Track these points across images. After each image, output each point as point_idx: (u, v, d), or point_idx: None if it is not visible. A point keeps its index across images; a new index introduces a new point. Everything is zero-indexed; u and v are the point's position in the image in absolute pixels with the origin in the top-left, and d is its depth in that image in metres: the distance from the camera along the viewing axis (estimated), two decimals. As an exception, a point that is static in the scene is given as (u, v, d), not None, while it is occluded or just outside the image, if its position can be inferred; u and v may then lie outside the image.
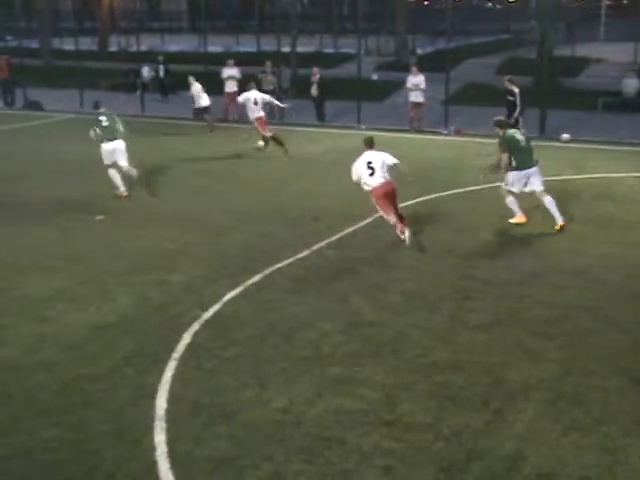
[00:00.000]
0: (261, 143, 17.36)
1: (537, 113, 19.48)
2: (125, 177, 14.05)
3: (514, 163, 11.48)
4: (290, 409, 6.59)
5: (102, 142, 13.82)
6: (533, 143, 12.04)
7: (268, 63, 23.21)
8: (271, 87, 22.91)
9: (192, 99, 21.25)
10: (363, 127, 20.52)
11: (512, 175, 11.56)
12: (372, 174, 10.74)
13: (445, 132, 20.23)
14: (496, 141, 11.78)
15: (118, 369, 7.34)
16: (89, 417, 6.53)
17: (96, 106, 14.31)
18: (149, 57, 29.73)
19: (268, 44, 34.32)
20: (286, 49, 27.91)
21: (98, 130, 13.74)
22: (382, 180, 10.77)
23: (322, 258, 10.49)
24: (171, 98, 26.59)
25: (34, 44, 40.37)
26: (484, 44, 41.12)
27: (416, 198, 13.20)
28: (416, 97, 20.49)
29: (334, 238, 11.27)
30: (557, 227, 11.44)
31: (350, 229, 11.68)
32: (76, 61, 29.01)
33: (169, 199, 13.78)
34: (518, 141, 11.51)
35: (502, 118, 11.89)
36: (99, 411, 6.62)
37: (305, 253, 10.60)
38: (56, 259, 10.51)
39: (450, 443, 6.04)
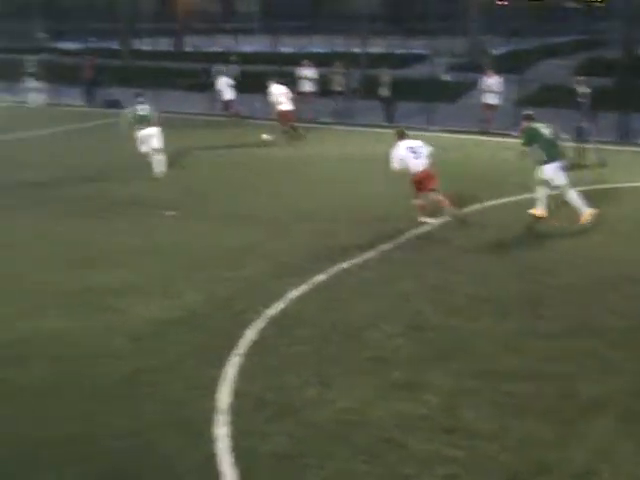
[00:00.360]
0: (267, 136, 18.43)
1: (617, 116, 18.71)
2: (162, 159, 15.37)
3: (544, 157, 11.47)
4: (352, 409, 6.46)
5: (138, 129, 15.22)
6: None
7: (337, 63, 23.17)
8: (340, 87, 22.85)
9: (218, 93, 22.52)
10: (433, 128, 20.18)
11: (547, 169, 11.49)
12: (416, 157, 11.54)
13: (517, 135, 19.68)
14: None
15: (182, 362, 7.36)
16: (152, 408, 6.56)
17: (137, 95, 15.86)
18: (223, 57, 30.02)
19: (339, 45, 34.26)
20: (356, 49, 27.74)
21: (132, 119, 15.33)
22: (424, 166, 11.54)
23: (387, 259, 10.30)
24: (245, 98, 26.70)
25: (115, 45, 41.34)
26: (561, 44, 39.93)
27: (487, 201, 12.87)
28: (490, 99, 20.03)
29: (400, 240, 11.06)
30: (584, 217, 11.35)
31: (416, 231, 11.45)
32: (153, 61, 29.53)
33: (235, 197, 13.81)
34: (542, 134, 11.54)
35: (530, 112, 12.15)
36: (162, 402, 6.64)
37: (370, 254, 10.43)
38: (127, 253, 10.66)
39: (516, 454, 5.79)
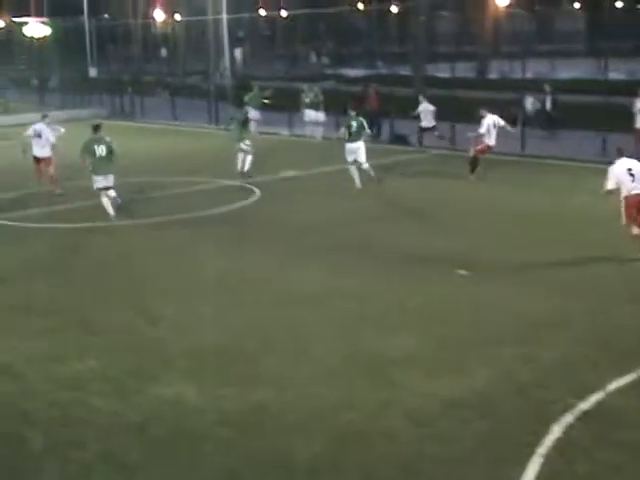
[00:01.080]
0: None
1: None
2: (362, 173, 19.44)
3: None
4: None
5: (348, 142, 19.73)
6: None
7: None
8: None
9: (419, 117, 25.74)
10: None
11: None
12: (633, 180, 12.81)
13: None
14: None
15: (470, 454, 7.42)
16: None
17: (349, 109, 20.56)
18: (534, 85, 30.04)
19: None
20: None
21: (345, 131, 19.95)
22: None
23: None
24: (559, 134, 26.49)
25: (406, 71, 43.28)
26: None
27: None
28: None
29: None
30: None
31: None
32: (450, 90, 30.34)
33: (540, 256, 13.74)
34: None
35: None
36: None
37: None
38: (410, 316, 11.04)
39: None
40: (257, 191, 19.67)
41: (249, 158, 21.28)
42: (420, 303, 11.56)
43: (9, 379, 9.40)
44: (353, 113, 20.18)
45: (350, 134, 19.83)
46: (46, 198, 18.82)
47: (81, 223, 16.91)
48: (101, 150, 16.80)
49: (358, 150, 19.69)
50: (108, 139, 17.16)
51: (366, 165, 19.84)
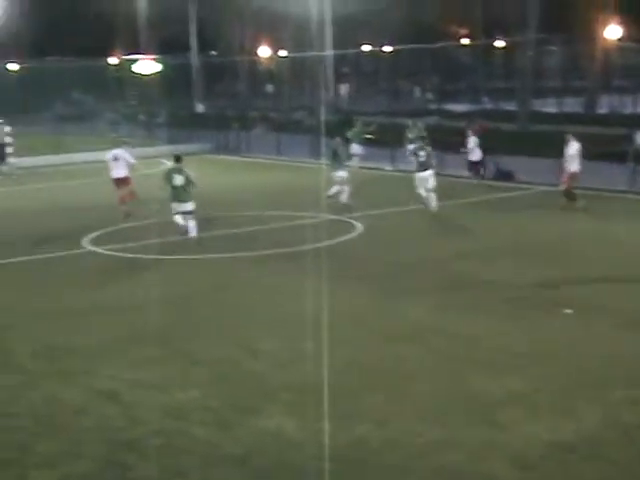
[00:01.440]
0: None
1: None
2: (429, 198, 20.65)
3: None
4: None
5: (417, 172, 20.90)
6: None
7: None
8: None
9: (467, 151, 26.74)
10: None
11: None
12: None
13: None
14: None
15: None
16: None
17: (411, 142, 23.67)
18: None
19: None
20: None
21: (414, 160, 21.17)
22: None
23: None
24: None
25: (512, 106, 42.89)
26: None
27: None
28: None
29: None
30: None
31: None
32: (556, 125, 30.01)
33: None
34: None
35: None
36: None
37: None
38: (514, 355, 10.88)
39: None
40: (359, 225, 19.78)
41: (336, 188, 21.96)
42: (524, 342, 11.39)
43: (115, 406, 9.66)
44: (421, 143, 21.78)
45: (419, 163, 20.86)
46: (145, 231, 19.33)
47: (179, 255, 17.34)
48: (179, 180, 18.00)
49: (430, 178, 20.69)
50: (187, 170, 18.30)
51: (433, 194, 20.70)
